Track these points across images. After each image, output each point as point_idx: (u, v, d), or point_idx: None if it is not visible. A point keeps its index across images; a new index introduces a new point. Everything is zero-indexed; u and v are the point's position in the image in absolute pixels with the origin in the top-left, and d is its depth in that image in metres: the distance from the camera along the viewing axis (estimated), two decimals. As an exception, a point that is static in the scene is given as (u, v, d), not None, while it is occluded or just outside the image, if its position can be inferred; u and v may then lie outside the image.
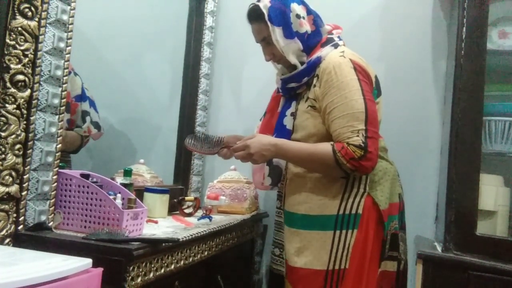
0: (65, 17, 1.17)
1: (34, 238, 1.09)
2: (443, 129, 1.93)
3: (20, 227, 1.09)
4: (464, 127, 1.46)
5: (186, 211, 1.73)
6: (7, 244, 1.06)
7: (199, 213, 1.73)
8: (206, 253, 1.43)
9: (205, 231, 1.41)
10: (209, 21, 2.21)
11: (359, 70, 1.37)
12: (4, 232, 1.06)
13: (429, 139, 2.01)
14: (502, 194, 1.60)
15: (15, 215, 1.08)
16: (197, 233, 1.35)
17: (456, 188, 1.45)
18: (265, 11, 1.43)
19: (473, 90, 1.46)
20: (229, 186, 1.94)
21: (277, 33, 1.43)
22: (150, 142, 2.20)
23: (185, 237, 1.26)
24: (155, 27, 2.13)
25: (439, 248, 1.51)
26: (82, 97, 1.75)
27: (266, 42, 1.48)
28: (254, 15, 1.47)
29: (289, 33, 1.43)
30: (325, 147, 1.33)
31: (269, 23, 1.43)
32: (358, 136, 1.30)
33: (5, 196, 1.05)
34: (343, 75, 1.35)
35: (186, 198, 1.79)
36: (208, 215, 1.68)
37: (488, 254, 1.40)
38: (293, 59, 1.45)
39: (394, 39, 2.09)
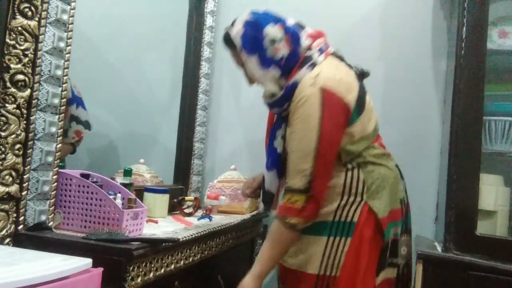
0: (65, 17, 1.17)
1: (34, 238, 1.09)
2: (443, 129, 1.93)
3: (20, 227, 1.09)
4: (464, 127, 1.46)
5: (186, 211, 1.73)
6: (7, 244, 1.06)
7: (199, 213, 1.73)
8: (206, 253, 1.43)
9: (205, 231, 1.41)
10: (209, 21, 2.21)
11: (327, 102, 1.27)
12: (4, 232, 1.06)
13: (429, 139, 2.01)
14: (502, 194, 1.60)
15: (15, 215, 1.08)
16: (197, 233, 1.34)
17: (456, 188, 1.45)
18: (237, 40, 1.36)
19: (473, 90, 1.46)
20: (229, 186, 1.94)
21: (252, 62, 1.36)
22: (150, 142, 2.20)
23: (185, 237, 1.26)
24: (155, 27, 2.13)
25: (439, 248, 1.51)
26: (70, 100, 1.63)
27: (245, 67, 1.41)
28: (228, 42, 1.40)
29: (264, 61, 1.35)
30: (275, 227, 1.32)
31: (243, 53, 1.36)
32: (302, 178, 1.25)
33: (5, 196, 1.05)
34: (305, 109, 1.27)
35: (186, 198, 1.79)
36: (208, 215, 1.67)
37: (488, 254, 1.40)
38: (271, 87, 1.37)
39: (394, 39, 2.09)
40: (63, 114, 1.19)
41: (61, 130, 1.19)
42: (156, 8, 2.16)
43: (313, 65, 1.34)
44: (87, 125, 1.71)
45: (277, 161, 1.42)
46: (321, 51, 1.38)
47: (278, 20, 1.39)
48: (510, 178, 1.65)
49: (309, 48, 1.38)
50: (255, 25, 1.36)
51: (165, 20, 2.20)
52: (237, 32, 1.37)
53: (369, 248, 1.34)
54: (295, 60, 1.37)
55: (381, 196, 1.36)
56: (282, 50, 1.36)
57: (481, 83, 1.46)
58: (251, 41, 1.35)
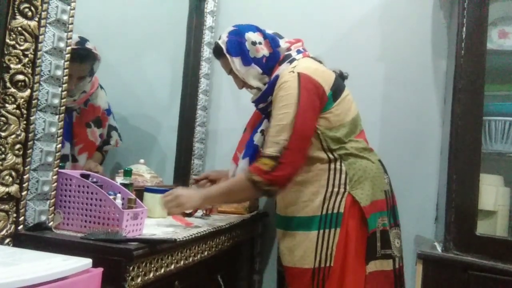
0: (65, 17, 1.17)
1: (34, 238, 1.09)
2: (443, 129, 1.93)
3: (20, 227, 1.09)
4: (464, 127, 1.46)
5: (186, 211, 1.73)
6: (7, 244, 1.06)
7: (199, 213, 1.73)
8: (206, 253, 1.43)
9: (205, 231, 1.41)
10: (209, 21, 2.21)
11: (304, 84, 1.43)
12: (4, 232, 1.06)
13: (429, 139, 2.01)
14: (502, 194, 1.60)
15: (15, 215, 1.08)
16: (197, 233, 1.34)
17: (456, 188, 1.45)
18: (223, 46, 1.57)
19: (473, 90, 1.46)
20: (229, 186, 1.93)
21: (236, 62, 1.55)
22: (150, 142, 2.20)
23: (184, 237, 1.26)
24: (155, 27, 2.13)
25: (439, 248, 1.51)
26: (108, 110, 1.83)
27: (233, 73, 1.59)
28: (217, 52, 1.62)
29: (246, 61, 1.55)
30: (239, 175, 1.46)
31: (228, 55, 1.55)
32: (276, 147, 1.37)
33: (5, 196, 1.05)
34: (285, 90, 1.44)
35: (186, 198, 1.79)
36: (208, 215, 1.69)
37: (488, 254, 1.40)
38: (254, 83, 1.56)
39: (394, 39, 2.09)
40: (63, 115, 1.18)
41: (61, 130, 1.18)
42: (156, 8, 2.16)
43: (292, 60, 1.54)
44: (120, 138, 1.87)
45: (252, 151, 1.60)
46: (299, 51, 1.58)
47: (257, 30, 1.59)
48: (510, 178, 1.65)
49: (288, 49, 1.58)
50: (238, 33, 1.57)
51: (165, 20, 2.19)
52: (223, 40, 1.58)
53: (356, 237, 1.42)
54: (275, 60, 1.57)
55: (363, 187, 1.46)
56: (263, 51, 1.56)
57: (481, 83, 1.46)
58: (234, 45, 1.55)
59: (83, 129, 1.70)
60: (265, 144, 1.44)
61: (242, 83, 1.61)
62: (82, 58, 1.58)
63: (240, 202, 1.63)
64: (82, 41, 1.59)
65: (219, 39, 1.61)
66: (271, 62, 1.57)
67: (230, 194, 1.49)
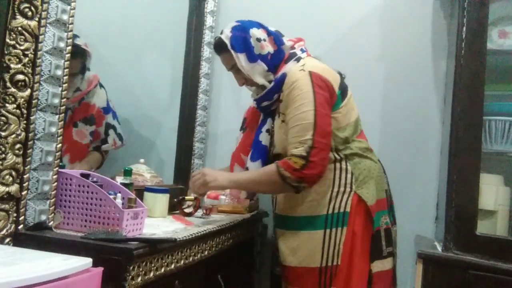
0: (65, 17, 1.17)
1: (34, 237, 1.09)
2: (443, 129, 1.93)
3: (20, 226, 1.09)
4: (464, 127, 1.46)
5: (186, 210, 1.73)
6: (7, 243, 1.06)
7: (199, 212, 1.73)
8: (206, 252, 1.43)
9: (205, 230, 1.41)
10: (209, 21, 2.21)
11: (316, 82, 1.43)
12: (4, 231, 1.06)
13: (429, 139, 2.01)
14: (502, 193, 1.61)
15: (15, 214, 1.08)
16: (197, 233, 1.34)
17: (456, 188, 1.45)
18: (227, 41, 1.52)
19: (473, 90, 1.46)
20: (229, 186, 1.93)
21: (241, 59, 1.51)
22: (150, 142, 2.20)
23: (184, 237, 1.26)
24: (155, 27, 2.13)
25: (439, 248, 1.52)
26: (106, 109, 1.79)
27: (235, 69, 1.57)
28: (219, 47, 1.57)
29: (252, 57, 1.51)
30: (271, 167, 1.42)
31: (232, 51, 1.52)
32: (303, 146, 1.37)
33: (5, 196, 1.05)
34: (299, 89, 1.42)
35: (186, 197, 1.79)
36: (208, 214, 1.69)
37: (488, 253, 1.40)
38: (260, 80, 1.53)
39: (394, 39, 2.09)
40: (63, 114, 1.18)
41: (61, 130, 1.18)
42: (156, 8, 2.16)
43: (299, 59, 1.52)
44: (120, 138, 1.84)
45: (262, 152, 1.57)
46: (303, 50, 1.57)
47: (261, 26, 1.57)
48: (510, 178, 1.65)
49: (292, 47, 1.57)
50: (242, 28, 1.54)
51: (165, 20, 2.20)
52: (226, 35, 1.54)
53: (362, 235, 1.43)
54: (280, 57, 1.55)
55: (368, 186, 1.47)
56: (268, 47, 1.53)
57: (481, 83, 1.46)
58: (239, 41, 1.52)
59: (69, 129, 1.67)
60: (289, 143, 1.41)
61: (243, 80, 1.58)
62: (71, 54, 1.57)
63: (265, 193, 1.61)
64: None
65: (221, 33, 1.56)
66: (276, 60, 1.54)
67: (258, 184, 1.48)
